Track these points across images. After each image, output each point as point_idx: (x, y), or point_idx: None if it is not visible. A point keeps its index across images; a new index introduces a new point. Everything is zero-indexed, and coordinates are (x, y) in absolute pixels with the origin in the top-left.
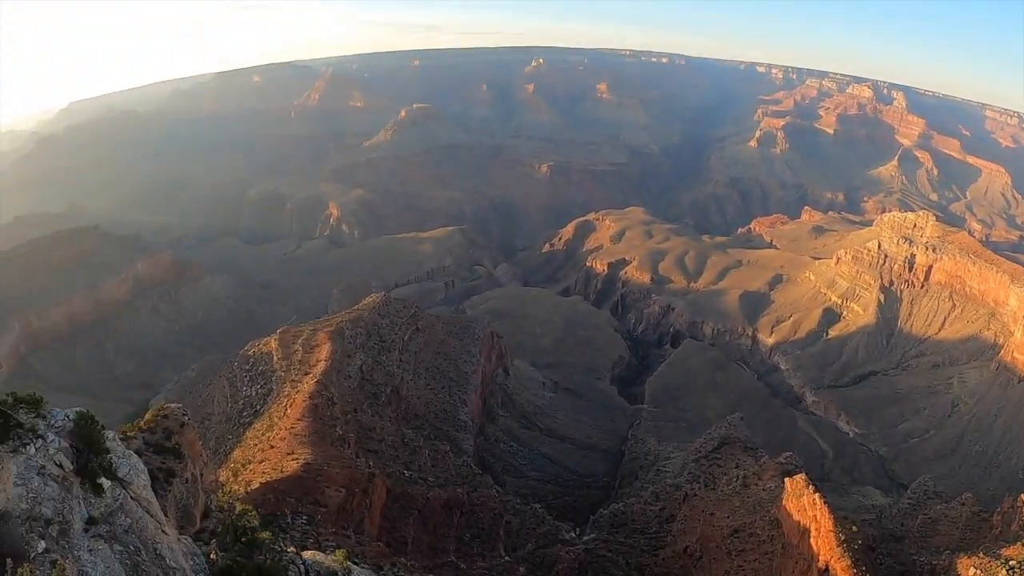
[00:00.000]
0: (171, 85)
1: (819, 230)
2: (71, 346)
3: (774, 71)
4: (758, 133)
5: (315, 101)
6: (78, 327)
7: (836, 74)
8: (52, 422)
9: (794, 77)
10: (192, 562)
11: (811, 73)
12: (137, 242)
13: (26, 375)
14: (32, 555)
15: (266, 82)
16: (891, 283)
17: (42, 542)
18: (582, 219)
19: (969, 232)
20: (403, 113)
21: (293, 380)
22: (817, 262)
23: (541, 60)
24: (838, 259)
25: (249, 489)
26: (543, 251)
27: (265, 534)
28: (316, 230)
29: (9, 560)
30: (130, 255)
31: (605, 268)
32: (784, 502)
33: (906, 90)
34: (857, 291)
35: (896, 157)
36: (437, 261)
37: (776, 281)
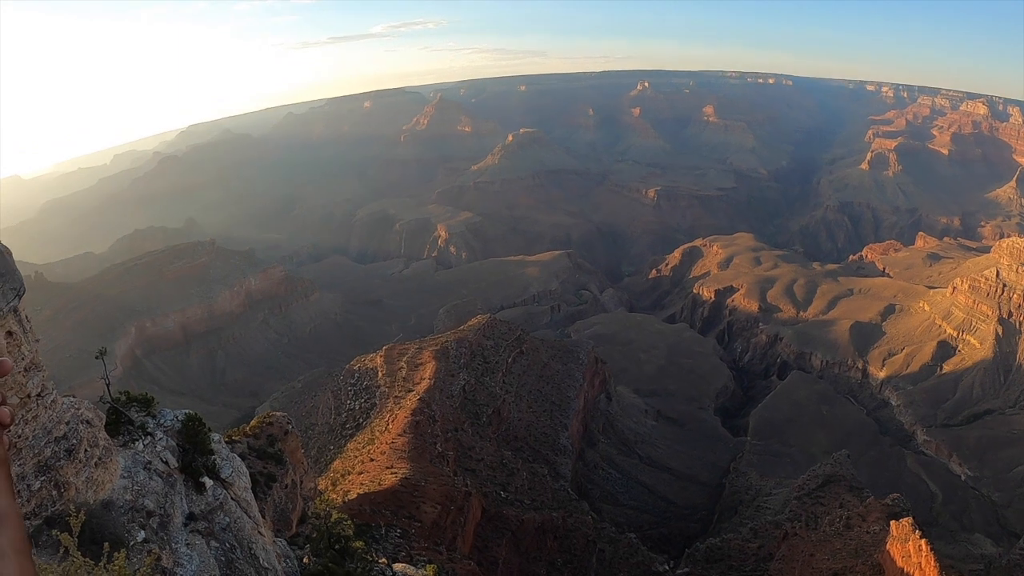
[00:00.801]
0: (284, 110)
1: (934, 257)
2: (184, 352)
3: (884, 89)
4: (869, 155)
5: (424, 126)
6: (191, 335)
7: (949, 91)
8: (161, 421)
9: (905, 95)
10: (285, 564)
11: (923, 91)
12: (250, 258)
13: (140, 376)
14: (131, 543)
15: (377, 107)
16: (1010, 314)
17: (142, 532)
18: (689, 245)
19: None
20: (510, 137)
21: (396, 396)
22: (932, 291)
23: (647, 84)
24: (954, 288)
25: (346, 499)
26: (649, 277)
27: (358, 543)
28: (424, 251)
29: (107, 544)
30: (243, 270)
31: (712, 295)
32: (888, 546)
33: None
34: (974, 323)
35: (1014, 178)
36: (543, 285)
37: (888, 311)
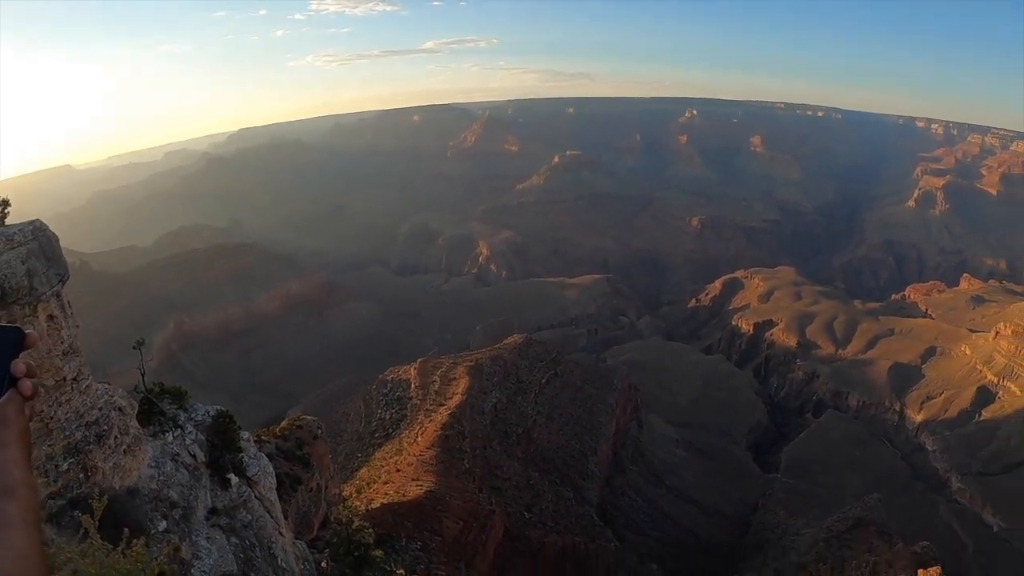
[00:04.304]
0: (334, 120)
1: (978, 300)
2: (220, 349)
3: (934, 126)
4: (916, 193)
5: (471, 143)
6: (228, 333)
7: (1000, 129)
8: (192, 415)
9: (955, 133)
10: (303, 567)
11: (973, 128)
12: (291, 262)
13: (174, 370)
14: (152, 532)
15: (425, 122)
16: None
17: (164, 522)
18: (730, 276)
19: None
20: (556, 159)
21: (427, 409)
22: (974, 335)
23: (694, 111)
24: (997, 333)
25: (369, 507)
26: (688, 306)
27: (378, 552)
28: (464, 267)
29: (126, 531)
30: (284, 273)
31: (751, 328)
32: None
33: None
34: (1015, 370)
35: None
36: (581, 308)
37: (929, 354)
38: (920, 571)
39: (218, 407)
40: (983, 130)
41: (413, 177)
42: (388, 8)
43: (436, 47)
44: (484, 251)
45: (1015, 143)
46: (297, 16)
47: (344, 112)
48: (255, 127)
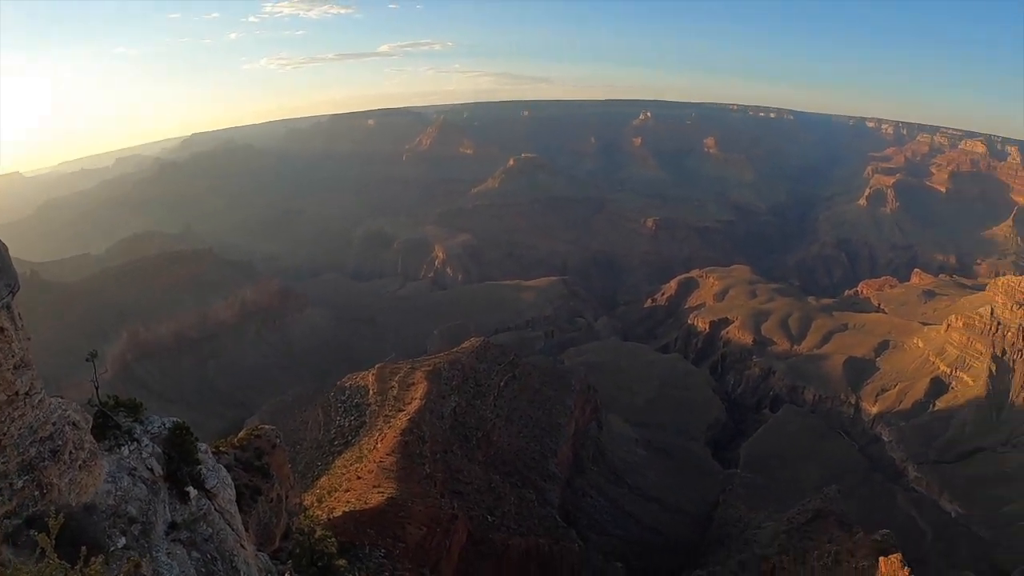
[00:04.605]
0: (288, 124)
1: (929, 294)
2: (175, 359)
3: (884, 126)
4: (867, 191)
5: (426, 146)
6: (184, 342)
7: (948, 129)
8: (148, 428)
9: (905, 133)
10: None
11: (923, 128)
12: (246, 268)
13: (129, 381)
14: (111, 549)
15: (380, 126)
16: (1004, 352)
17: (123, 538)
18: (685, 276)
19: None
20: (511, 162)
21: (387, 415)
22: (926, 328)
23: (649, 114)
24: (948, 325)
25: (331, 516)
26: (644, 306)
27: (341, 562)
28: (420, 271)
29: (84, 549)
30: (239, 280)
31: (707, 326)
32: None
33: (1021, 145)
34: (967, 360)
35: (1011, 216)
36: (538, 310)
37: (882, 347)
38: (881, 559)
39: (174, 419)
40: (932, 130)
41: (368, 181)
42: (343, 11)
43: (391, 50)
44: (440, 255)
45: (963, 142)
46: (251, 19)
47: (298, 116)
48: (208, 132)
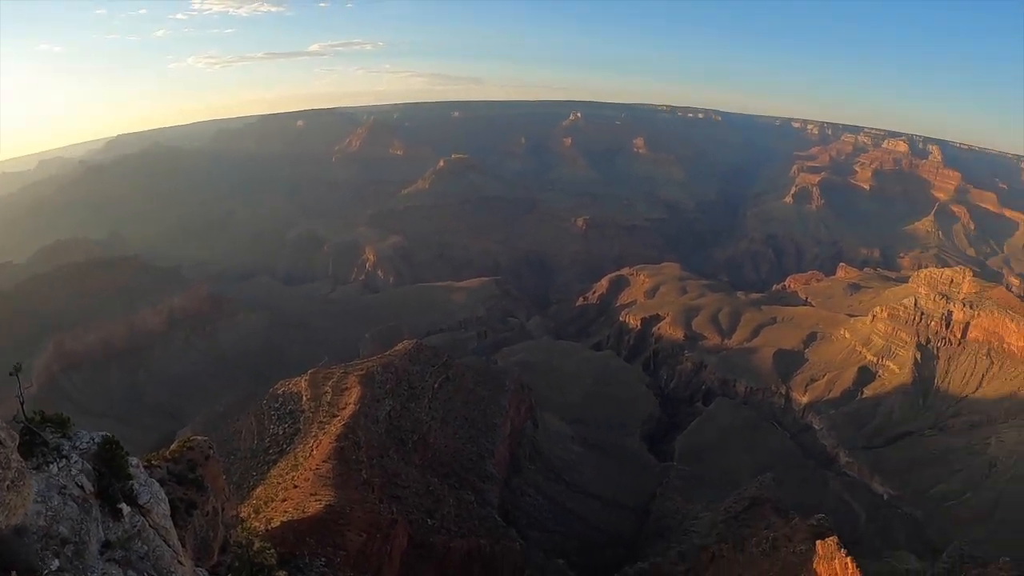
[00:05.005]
0: (216, 125)
1: (854, 287)
2: (103, 370)
3: (809, 127)
4: (793, 189)
5: (356, 147)
6: (112, 352)
7: (872, 129)
8: (77, 443)
9: (829, 133)
10: None
11: (846, 128)
12: (175, 274)
13: (56, 394)
14: (45, 572)
15: (309, 127)
16: (928, 341)
17: (56, 560)
18: (616, 274)
19: (1007, 287)
20: (442, 163)
21: (321, 421)
22: (852, 320)
23: (579, 114)
24: (873, 316)
25: (269, 527)
26: (576, 305)
27: (281, 573)
28: (351, 274)
29: (14, 573)
30: (168, 287)
31: (638, 323)
32: (815, 565)
33: (942, 144)
34: (893, 349)
35: (932, 212)
36: (470, 311)
37: (811, 339)
38: (818, 542)
39: (104, 433)
40: (856, 130)
41: (299, 183)
42: (273, 9)
43: (322, 49)
44: (371, 257)
45: (886, 141)
46: (179, 16)
47: (227, 117)
48: (134, 132)
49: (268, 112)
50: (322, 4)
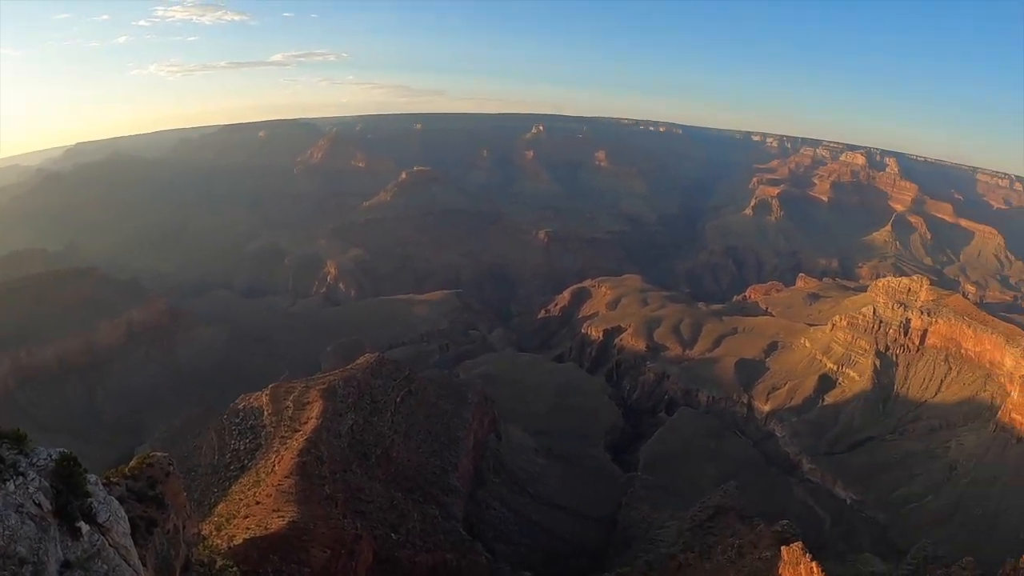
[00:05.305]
0: (178, 134)
1: (814, 297)
2: (61, 385)
3: (769, 140)
4: (753, 202)
5: (318, 159)
6: (69, 367)
7: (830, 142)
8: (34, 460)
9: (789, 146)
10: None
11: (805, 142)
12: (134, 287)
13: (12, 410)
14: None
15: (271, 138)
16: (887, 348)
17: None
18: (578, 286)
19: (963, 294)
20: (404, 175)
21: (282, 436)
22: (812, 329)
23: (541, 127)
24: (833, 325)
25: (232, 544)
26: (538, 317)
27: None
28: (312, 287)
29: None
30: (126, 300)
31: (600, 335)
32: (780, 571)
33: (898, 156)
34: (853, 357)
35: (890, 223)
36: (432, 324)
37: (771, 348)
38: (783, 548)
39: (61, 449)
40: (815, 143)
41: (260, 194)
42: (237, 17)
43: (285, 59)
44: (332, 270)
45: (844, 154)
46: (142, 22)
47: (189, 126)
48: (94, 141)
49: (230, 122)
50: (286, 14)
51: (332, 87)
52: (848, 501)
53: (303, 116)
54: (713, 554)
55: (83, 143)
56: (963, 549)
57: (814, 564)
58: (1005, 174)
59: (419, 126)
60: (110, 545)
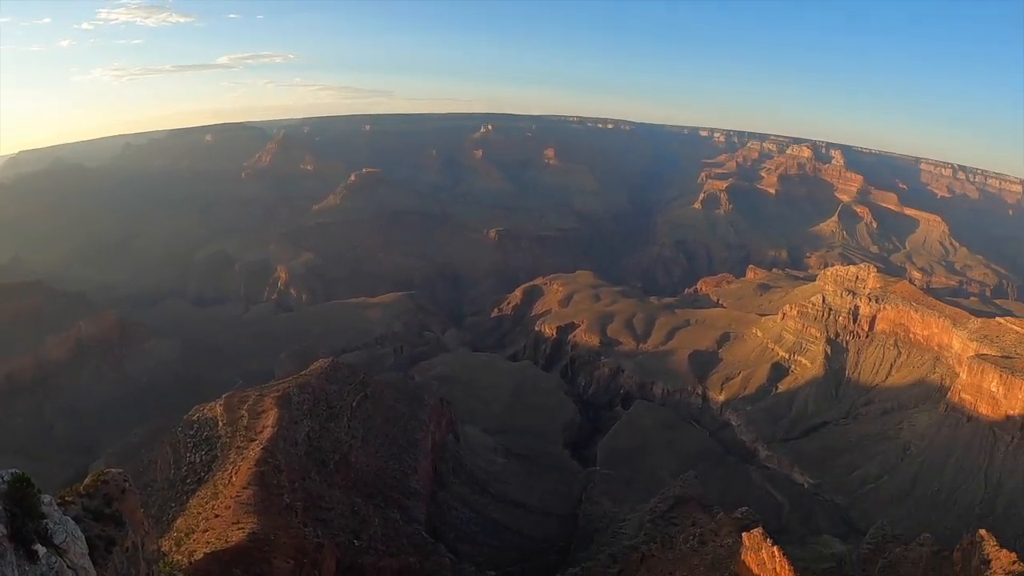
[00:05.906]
0: (123, 140)
1: (764, 287)
2: (9, 405)
3: (716, 135)
4: (702, 196)
5: (266, 163)
6: (17, 385)
7: (776, 136)
8: None
9: (736, 140)
10: None
11: (752, 136)
12: (81, 300)
13: None
14: None
15: (218, 142)
16: (837, 335)
17: None
18: (530, 284)
19: (910, 281)
20: (353, 177)
21: (239, 447)
22: (763, 319)
23: (490, 126)
24: (784, 314)
25: (193, 559)
26: (491, 316)
27: None
28: (264, 294)
29: None
30: (74, 313)
31: (554, 332)
32: (743, 556)
33: (844, 148)
34: (804, 345)
35: (836, 213)
36: (385, 327)
37: (724, 339)
38: (744, 534)
39: (13, 470)
40: (762, 137)
41: (208, 200)
42: (182, 19)
43: (231, 62)
44: (283, 276)
45: (790, 147)
46: (84, 26)
47: (134, 132)
48: (37, 149)
49: (176, 127)
50: (232, 15)
51: (279, 89)
52: (806, 485)
53: (250, 119)
54: (675, 544)
55: (25, 152)
56: (921, 526)
57: (775, 548)
58: (948, 163)
59: (367, 127)
60: (68, 567)
